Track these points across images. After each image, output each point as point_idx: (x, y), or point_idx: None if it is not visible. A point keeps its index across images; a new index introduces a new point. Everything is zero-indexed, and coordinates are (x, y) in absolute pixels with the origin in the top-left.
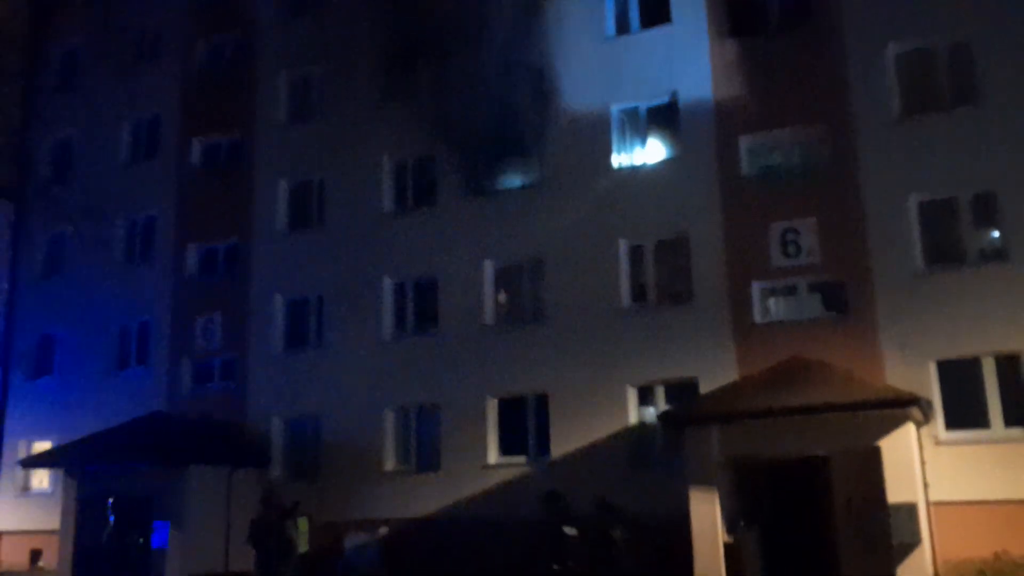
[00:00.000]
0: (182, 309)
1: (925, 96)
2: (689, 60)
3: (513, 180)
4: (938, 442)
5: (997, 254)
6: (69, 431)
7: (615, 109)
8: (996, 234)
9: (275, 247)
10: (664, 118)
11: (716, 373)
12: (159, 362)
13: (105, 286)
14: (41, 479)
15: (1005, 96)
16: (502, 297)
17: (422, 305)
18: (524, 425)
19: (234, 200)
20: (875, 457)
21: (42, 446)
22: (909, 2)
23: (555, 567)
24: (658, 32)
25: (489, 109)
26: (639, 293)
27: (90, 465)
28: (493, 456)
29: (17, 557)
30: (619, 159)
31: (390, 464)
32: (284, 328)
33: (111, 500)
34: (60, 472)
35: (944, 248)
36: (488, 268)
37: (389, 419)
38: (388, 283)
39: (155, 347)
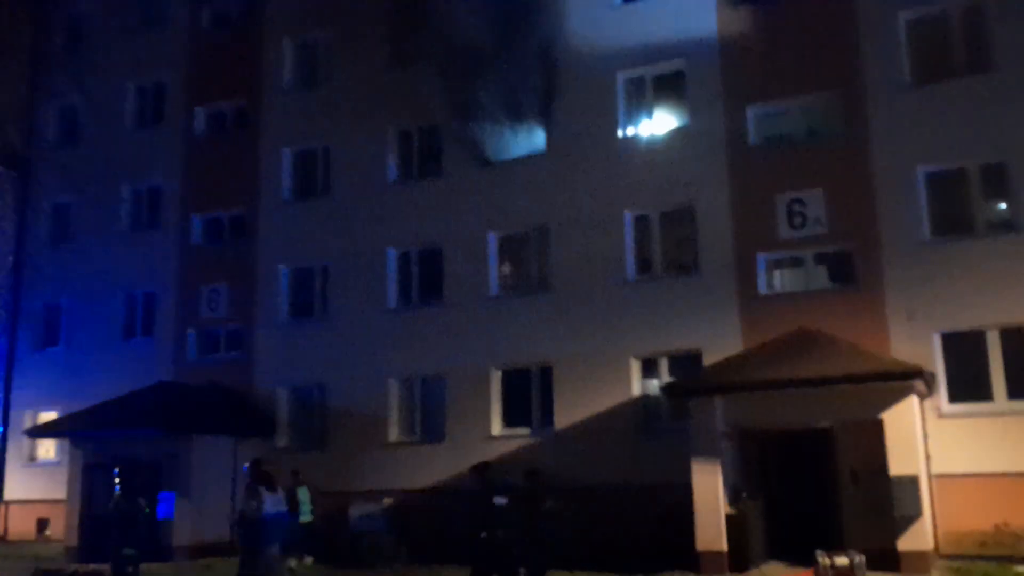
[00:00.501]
0: (188, 278)
1: (937, 64)
2: (697, 27)
3: (518, 150)
4: (941, 415)
5: (1006, 225)
6: (75, 401)
7: (621, 77)
8: (1004, 205)
9: (280, 216)
10: (671, 87)
11: (721, 345)
12: (165, 331)
13: (111, 255)
14: (48, 449)
15: (1018, 64)
16: (506, 268)
17: (427, 275)
18: (528, 396)
19: (239, 168)
20: (878, 429)
21: (48, 416)
22: None
23: (483, 535)
24: (665, 0)
25: (495, 78)
26: (644, 264)
27: (96, 434)
28: (497, 427)
29: (24, 526)
30: (625, 129)
31: (394, 435)
32: (289, 297)
33: (117, 469)
34: (66, 442)
35: (952, 219)
36: (492, 238)
37: (394, 389)
38: (392, 253)
39: (161, 316)
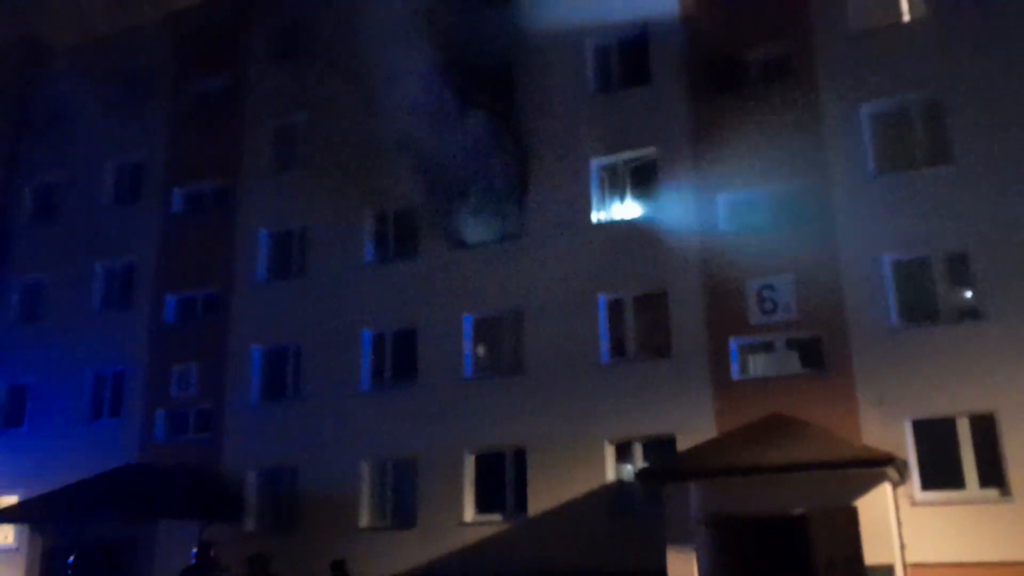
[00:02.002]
0: (158, 358)
1: (899, 155)
2: (669, 118)
3: (494, 233)
4: (914, 502)
5: (971, 313)
6: (37, 484)
7: (595, 164)
8: (969, 294)
9: (255, 296)
10: (644, 174)
11: (694, 429)
12: (133, 412)
13: (81, 334)
14: (6, 534)
15: (976, 156)
16: (481, 350)
17: (401, 357)
18: (501, 481)
19: (215, 248)
20: (853, 516)
21: (8, 500)
22: (883, 63)
23: None
24: (639, 90)
25: (471, 162)
26: (618, 348)
27: (57, 519)
28: (469, 513)
29: None
30: (599, 214)
31: (365, 519)
32: (261, 378)
33: (71, 558)
34: (26, 527)
35: (919, 306)
36: (467, 320)
37: (365, 473)
38: (367, 334)
39: (129, 397)
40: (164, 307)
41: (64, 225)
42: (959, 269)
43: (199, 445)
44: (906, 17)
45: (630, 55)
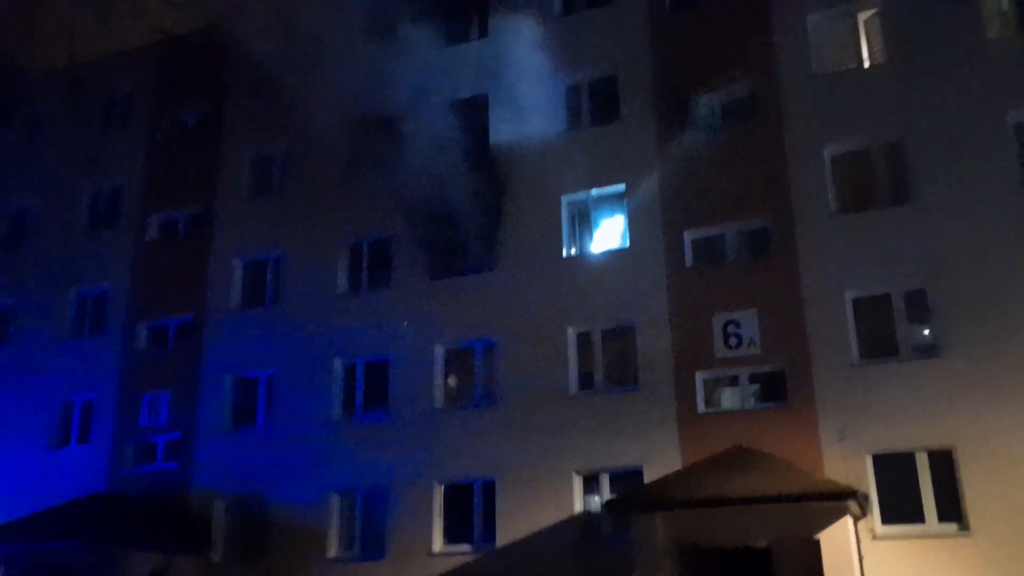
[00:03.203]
0: (129, 385)
1: (860, 194)
2: (637, 155)
3: (466, 265)
4: (875, 536)
5: (929, 349)
6: (2, 511)
7: (566, 200)
8: (927, 331)
9: (228, 324)
10: (613, 210)
11: (661, 461)
12: (102, 439)
13: (50, 360)
14: None
15: (934, 195)
16: (452, 380)
17: (372, 386)
18: (470, 511)
19: (189, 275)
20: (815, 549)
21: None
22: (844, 106)
23: None
24: (609, 128)
25: (445, 195)
26: (587, 380)
27: (21, 547)
28: (438, 544)
29: None
30: (569, 248)
31: (334, 550)
32: (232, 406)
33: None
34: None
35: (879, 342)
36: (439, 351)
37: (335, 502)
38: (339, 363)
39: (99, 424)
40: (136, 334)
41: (37, 250)
42: (918, 306)
43: (168, 474)
44: (866, 62)
45: (600, 94)
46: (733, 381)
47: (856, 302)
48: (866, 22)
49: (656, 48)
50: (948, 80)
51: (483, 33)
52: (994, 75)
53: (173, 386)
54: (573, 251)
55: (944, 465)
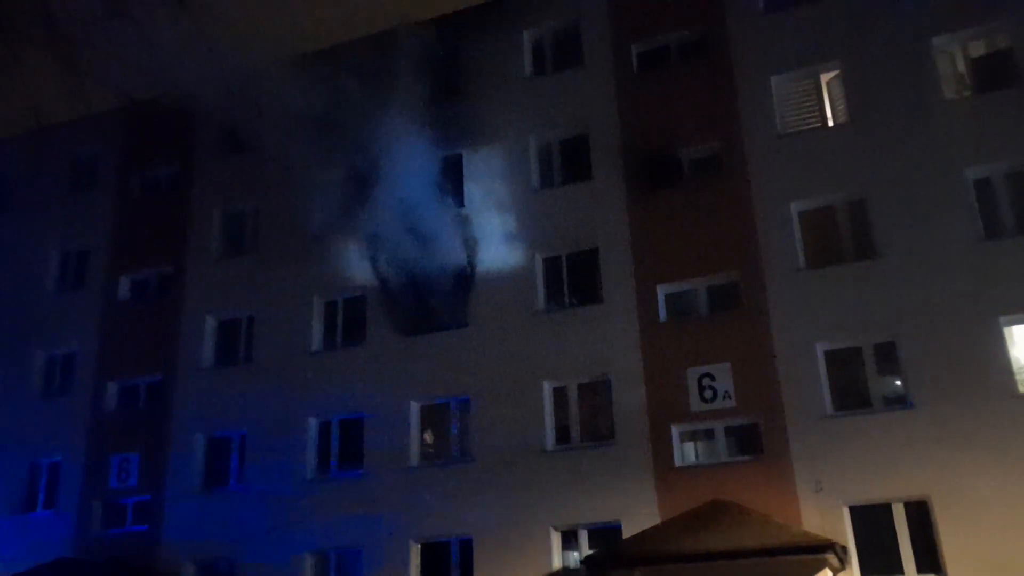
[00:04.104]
0: (98, 447)
1: (827, 249)
2: (608, 212)
3: (441, 321)
4: None
5: (900, 401)
6: None
7: (539, 256)
8: (899, 382)
9: (199, 383)
10: (586, 266)
11: (639, 515)
12: (69, 504)
13: (16, 422)
14: None
15: (898, 249)
16: (428, 437)
17: (347, 444)
18: (447, 569)
19: (160, 335)
20: None
21: None
22: (809, 164)
23: None
24: (579, 187)
25: (420, 252)
26: (563, 435)
27: None
28: None
29: None
30: (543, 304)
31: None
32: (204, 466)
33: None
34: None
35: (851, 393)
36: (414, 408)
37: (308, 562)
38: (313, 422)
39: (66, 487)
40: (105, 395)
41: (4, 311)
42: (888, 358)
43: (137, 536)
44: (830, 121)
45: (571, 152)
46: (709, 434)
47: (828, 354)
48: (828, 83)
49: (624, 108)
50: (908, 138)
51: (456, 93)
52: (951, 133)
53: (143, 447)
54: (547, 306)
55: (920, 515)
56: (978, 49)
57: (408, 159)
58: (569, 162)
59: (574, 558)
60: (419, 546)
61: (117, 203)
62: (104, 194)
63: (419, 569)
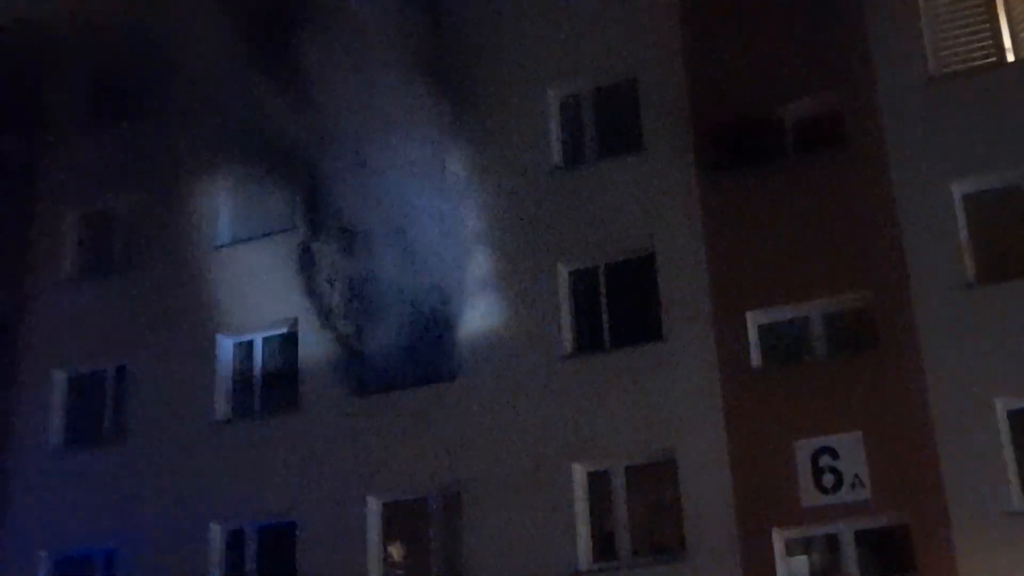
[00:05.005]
0: None
1: (1008, 254)
2: (669, 201)
3: (416, 373)
4: None
5: None
6: None
7: (564, 271)
8: None
9: (43, 473)
10: (636, 284)
11: None
12: None
13: None
14: None
15: None
16: (395, 551)
17: (270, 564)
18: None
19: None
20: None
21: None
22: (979, 121)
23: None
24: (623, 162)
25: (382, 267)
26: (605, 547)
27: None
28: None
29: None
30: (571, 345)
31: None
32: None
33: None
34: None
35: None
36: (373, 506)
37: None
38: (218, 530)
39: None
40: None
41: None
42: None
43: None
44: (1009, 54)
45: (610, 112)
46: (832, 542)
47: (1013, 415)
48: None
49: (692, 41)
50: None
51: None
52: None
53: None
54: (577, 348)
55: None
56: None
57: (359, 127)
58: (608, 126)
59: None
60: None
61: None
62: None
63: None
